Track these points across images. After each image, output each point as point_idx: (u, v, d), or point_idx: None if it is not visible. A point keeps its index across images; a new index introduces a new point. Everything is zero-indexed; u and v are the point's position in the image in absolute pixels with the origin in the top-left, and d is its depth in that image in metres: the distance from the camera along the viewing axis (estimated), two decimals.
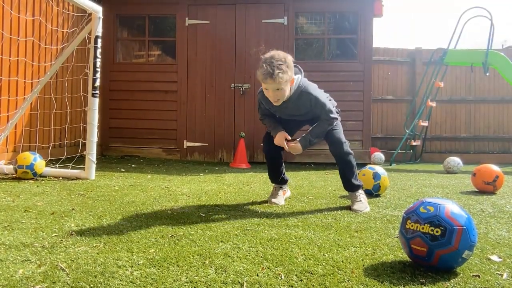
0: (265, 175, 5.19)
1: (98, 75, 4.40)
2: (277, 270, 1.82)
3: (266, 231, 2.44)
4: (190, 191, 3.83)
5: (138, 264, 1.84)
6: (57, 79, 5.63)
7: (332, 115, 3.07)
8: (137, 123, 6.85)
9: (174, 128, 6.81)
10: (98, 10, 4.42)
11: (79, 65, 5.75)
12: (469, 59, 7.41)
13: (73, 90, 5.92)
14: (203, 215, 2.85)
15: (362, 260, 1.97)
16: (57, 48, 5.74)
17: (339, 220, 2.78)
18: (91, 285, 1.62)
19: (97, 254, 1.97)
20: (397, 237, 2.37)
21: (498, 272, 1.85)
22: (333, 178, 5.08)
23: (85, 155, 4.39)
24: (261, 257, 1.98)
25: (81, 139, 5.12)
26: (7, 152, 5.01)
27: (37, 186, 3.84)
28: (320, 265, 1.89)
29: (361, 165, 6.33)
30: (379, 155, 7.48)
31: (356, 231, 2.51)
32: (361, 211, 3.09)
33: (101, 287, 1.61)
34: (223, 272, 1.77)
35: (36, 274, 1.71)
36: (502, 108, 8.82)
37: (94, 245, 2.11)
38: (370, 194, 3.73)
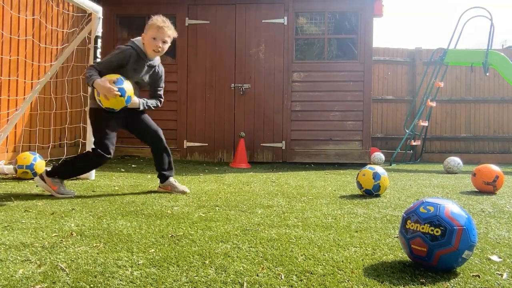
0: (265, 175, 5.20)
1: None
2: (277, 270, 1.82)
3: (266, 231, 2.44)
4: (190, 191, 3.83)
5: (138, 264, 1.84)
6: (57, 79, 5.63)
7: (162, 97, 3.73)
8: None
9: (174, 128, 6.81)
10: (98, 10, 4.42)
11: (79, 65, 5.74)
12: (469, 59, 7.41)
13: (73, 90, 5.92)
14: (203, 215, 2.85)
15: (362, 260, 1.97)
16: (57, 48, 5.74)
17: (339, 220, 2.78)
18: (91, 285, 1.62)
19: (97, 254, 1.97)
20: (397, 237, 2.37)
21: (498, 272, 1.85)
22: (333, 178, 5.08)
23: None
24: (261, 257, 1.98)
25: (81, 139, 5.11)
26: (7, 152, 5.01)
27: (37, 186, 3.83)
28: (320, 265, 1.89)
29: (361, 165, 6.38)
30: (379, 155, 7.48)
31: (356, 231, 2.51)
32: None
33: (101, 287, 1.61)
34: (223, 272, 1.77)
35: (36, 274, 1.71)
36: (502, 108, 8.83)
37: (94, 245, 2.11)
38: (370, 194, 3.73)
